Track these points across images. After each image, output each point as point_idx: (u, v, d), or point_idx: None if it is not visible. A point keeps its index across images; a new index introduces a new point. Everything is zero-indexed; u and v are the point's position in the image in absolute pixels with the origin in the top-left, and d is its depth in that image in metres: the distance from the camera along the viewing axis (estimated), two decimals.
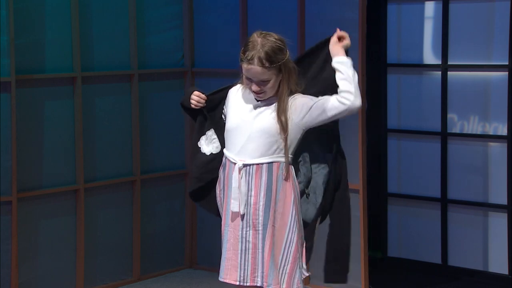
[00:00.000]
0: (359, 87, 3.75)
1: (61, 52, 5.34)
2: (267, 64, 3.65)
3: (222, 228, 3.89)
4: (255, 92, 3.74)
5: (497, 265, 5.71)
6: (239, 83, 3.89)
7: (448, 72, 5.84)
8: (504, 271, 5.67)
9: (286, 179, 3.78)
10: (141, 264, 5.78)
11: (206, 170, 3.97)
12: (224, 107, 3.93)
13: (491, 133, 5.72)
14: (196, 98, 3.89)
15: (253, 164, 3.76)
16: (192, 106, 3.91)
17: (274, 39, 3.69)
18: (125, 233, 5.72)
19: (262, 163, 3.76)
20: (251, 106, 3.80)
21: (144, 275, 5.81)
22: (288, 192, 3.78)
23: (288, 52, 3.73)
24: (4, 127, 5.04)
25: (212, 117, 3.95)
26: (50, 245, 5.34)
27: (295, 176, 3.84)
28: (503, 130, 5.66)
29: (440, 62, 5.87)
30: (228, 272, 3.83)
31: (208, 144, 3.98)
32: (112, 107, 5.61)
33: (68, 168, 5.40)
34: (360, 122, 5.15)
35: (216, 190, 3.94)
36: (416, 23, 5.98)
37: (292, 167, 3.82)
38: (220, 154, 3.92)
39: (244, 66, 3.69)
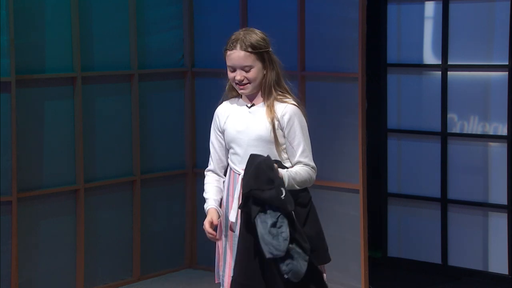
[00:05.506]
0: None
1: (61, 52, 5.34)
2: (249, 49, 3.63)
3: (221, 237, 3.75)
4: (239, 83, 3.67)
5: (497, 265, 5.71)
6: (224, 101, 3.82)
7: (448, 72, 5.84)
8: (504, 271, 5.66)
9: None
10: (141, 264, 5.78)
11: None
12: (218, 129, 3.80)
13: (491, 133, 5.72)
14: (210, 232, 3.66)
15: None
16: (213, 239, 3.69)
17: (257, 32, 3.70)
18: (125, 233, 5.72)
19: None
20: (242, 114, 3.74)
21: (144, 275, 5.81)
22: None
23: (270, 47, 3.71)
24: (4, 127, 5.04)
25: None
26: (50, 245, 5.34)
27: None
28: (503, 130, 5.66)
29: (440, 62, 5.86)
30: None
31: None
32: (112, 107, 5.61)
33: (68, 168, 5.40)
34: (360, 122, 5.15)
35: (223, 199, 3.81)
36: (416, 23, 5.98)
37: None
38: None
39: (228, 54, 3.67)
